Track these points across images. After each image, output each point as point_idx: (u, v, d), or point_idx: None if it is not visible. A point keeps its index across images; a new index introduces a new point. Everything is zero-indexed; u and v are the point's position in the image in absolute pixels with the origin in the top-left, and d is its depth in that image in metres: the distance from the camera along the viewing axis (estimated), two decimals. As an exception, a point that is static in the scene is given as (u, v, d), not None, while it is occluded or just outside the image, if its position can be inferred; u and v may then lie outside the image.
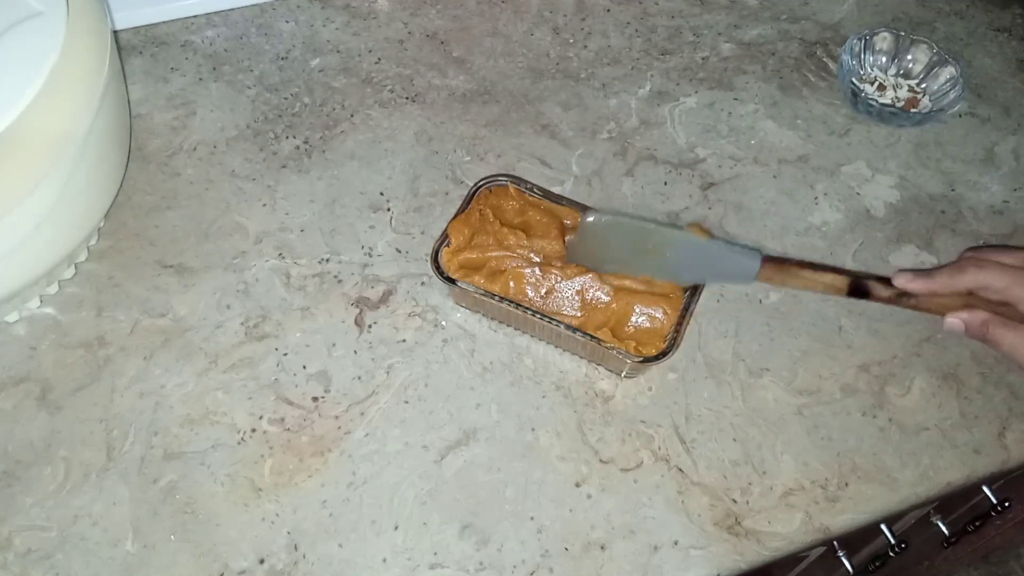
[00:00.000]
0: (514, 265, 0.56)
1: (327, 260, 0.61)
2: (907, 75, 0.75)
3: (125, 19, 0.72)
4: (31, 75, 0.48)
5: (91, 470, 0.51)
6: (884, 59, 0.75)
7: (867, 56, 0.75)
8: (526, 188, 0.60)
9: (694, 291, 0.56)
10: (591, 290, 0.55)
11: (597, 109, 0.71)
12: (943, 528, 0.74)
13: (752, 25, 0.79)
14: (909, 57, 0.74)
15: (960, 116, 0.73)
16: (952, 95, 0.71)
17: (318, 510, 0.51)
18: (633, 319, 0.55)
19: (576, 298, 0.56)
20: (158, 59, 0.71)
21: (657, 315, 0.55)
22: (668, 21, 0.78)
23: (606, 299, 0.55)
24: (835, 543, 0.63)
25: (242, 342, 0.57)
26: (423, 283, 0.60)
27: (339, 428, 0.54)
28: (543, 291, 0.56)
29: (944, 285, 0.50)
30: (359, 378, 0.56)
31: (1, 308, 0.54)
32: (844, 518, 0.53)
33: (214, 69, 0.71)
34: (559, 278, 0.56)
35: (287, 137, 0.68)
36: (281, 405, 0.55)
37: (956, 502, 0.72)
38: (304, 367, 0.56)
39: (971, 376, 0.59)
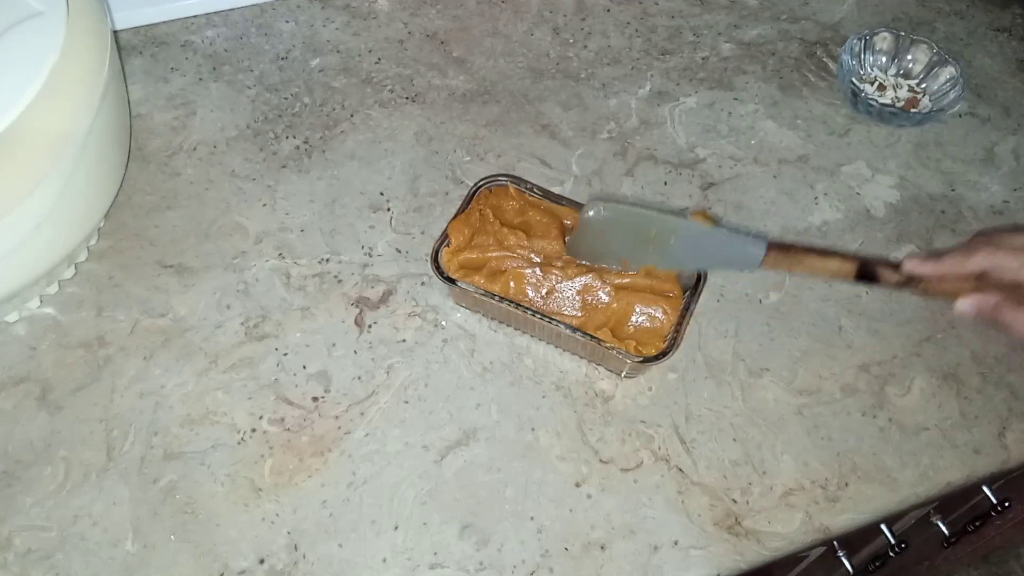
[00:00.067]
0: (514, 265, 0.56)
1: (327, 260, 0.61)
2: (907, 75, 0.75)
3: (125, 19, 0.72)
4: (31, 75, 0.48)
5: (91, 470, 0.51)
6: (884, 59, 0.75)
7: (867, 56, 0.75)
8: (526, 188, 0.60)
9: (694, 291, 0.56)
10: (591, 290, 0.55)
11: (597, 109, 0.71)
12: (943, 528, 0.74)
13: (752, 25, 0.79)
14: (909, 57, 0.74)
15: (960, 116, 0.73)
16: (952, 95, 0.71)
17: (318, 510, 0.51)
18: (633, 319, 0.55)
19: (576, 298, 0.56)
20: (158, 59, 0.71)
21: (657, 315, 0.55)
22: (668, 21, 0.78)
23: (606, 299, 0.55)
24: (835, 543, 0.63)
25: (242, 342, 0.57)
26: (423, 283, 0.60)
27: (339, 428, 0.54)
28: (543, 291, 0.56)
29: (954, 268, 0.49)
30: (359, 378, 0.56)
31: (1, 308, 0.54)
32: (844, 518, 0.53)
33: (214, 69, 0.71)
34: (559, 278, 0.56)
35: (287, 137, 0.68)
36: (281, 405, 0.55)
37: (956, 502, 0.72)
38: (304, 367, 0.56)
39: (971, 376, 0.59)
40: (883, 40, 0.75)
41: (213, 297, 0.59)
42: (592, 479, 0.53)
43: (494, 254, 0.56)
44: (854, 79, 0.73)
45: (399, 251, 0.62)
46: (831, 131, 0.71)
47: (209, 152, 0.66)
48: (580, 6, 0.79)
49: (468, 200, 0.59)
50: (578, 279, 0.55)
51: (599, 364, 0.57)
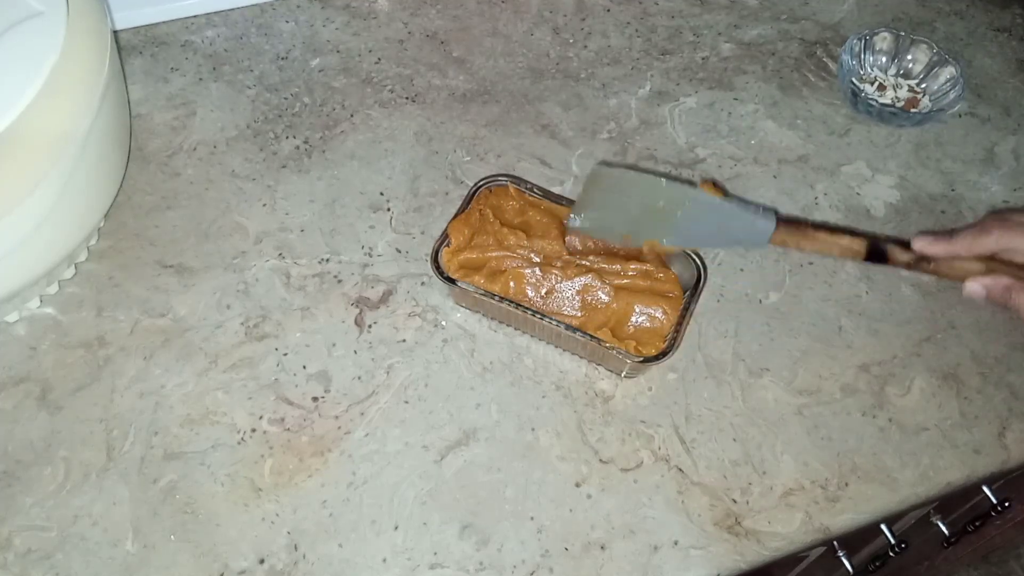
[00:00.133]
0: (514, 265, 0.56)
1: (327, 260, 0.61)
2: (907, 75, 0.75)
3: (125, 19, 0.72)
4: (31, 75, 0.48)
5: (91, 470, 0.51)
6: (884, 59, 0.75)
7: (867, 56, 0.75)
8: (526, 188, 0.60)
9: (694, 291, 0.56)
10: (591, 290, 0.55)
11: (597, 109, 0.71)
12: (943, 528, 0.74)
13: (752, 25, 0.79)
14: (909, 57, 0.74)
15: (960, 116, 0.73)
16: (952, 95, 0.71)
17: (318, 510, 0.51)
18: (633, 319, 0.55)
19: (576, 298, 0.56)
20: (158, 59, 0.71)
21: (657, 315, 0.55)
22: (668, 21, 0.78)
23: (606, 299, 0.55)
24: (835, 543, 0.63)
25: (242, 342, 0.57)
26: (423, 283, 0.60)
27: (339, 428, 0.54)
28: (543, 291, 0.56)
29: (966, 248, 0.47)
30: (359, 378, 0.56)
31: (1, 308, 0.54)
32: (844, 518, 0.53)
33: (214, 69, 0.71)
34: (559, 278, 0.56)
35: (287, 137, 0.68)
36: (281, 405, 0.55)
37: (956, 502, 0.72)
38: (304, 367, 0.56)
39: (971, 376, 0.59)
40: (883, 40, 0.75)
41: (213, 297, 0.59)
42: (592, 479, 0.53)
43: (494, 254, 0.56)
44: (854, 79, 0.73)
45: (399, 251, 0.62)
46: (831, 131, 0.71)
47: (209, 152, 0.66)
48: (580, 6, 0.79)
49: (468, 200, 0.59)
50: (578, 279, 0.55)
51: (599, 364, 0.57)
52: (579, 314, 0.55)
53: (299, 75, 0.71)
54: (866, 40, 0.74)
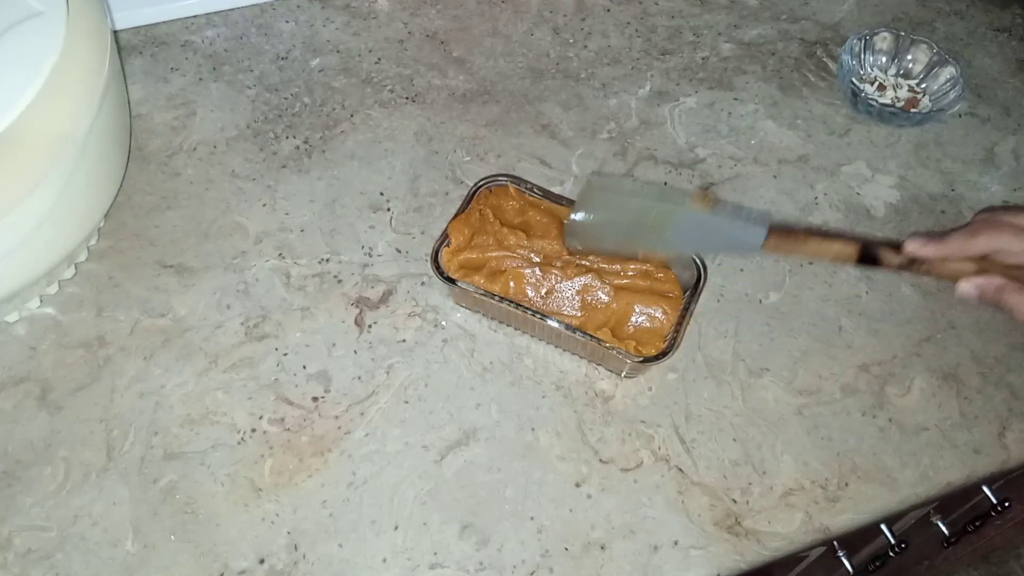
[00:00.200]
0: (514, 265, 0.56)
1: (327, 260, 0.61)
2: (907, 75, 0.75)
3: (125, 19, 0.72)
4: (31, 75, 0.48)
5: (91, 470, 0.51)
6: (884, 59, 0.75)
7: (867, 56, 0.75)
8: (526, 188, 0.60)
9: (694, 291, 0.56)
10: (591, 290, 0.55)
11: (597, 109, 0.71)
12: (943, 528, 0.74)
13: (752, 25, 0.79)
14: (909, 57, 0.74)
15: (960, 116, 0.73)
16: (952, 95, 0.71)
17: (318, 510, 0.51)
18: (633, 319, 0.55)
19: (576, 298, 0.56)
20: (158, 59, 0.71)
21: (657, 315, 0.55)
22: (668, 21, 0.78)
23: (606, 299, 0.55)
24: (835, 543, 0.63)
25: (242, 342, 0.57)
26: (423, 283, 0.60)
27: (339, 428, 0.54)
28: (543, 291, 0.56)
29: (957, 249, 0.48)
30: (359, 378, 0.56)
31: (1, 308, 0.54)
32: (844, 518, 0.53)
33: (214, 69, 0.71)
34: (559, 278, 0.56)
35: (287, 137, 0.68)
36: (281, 405, 0.55)
37: (956, 502, 0.72)
38: (304, 367, 0.56)
39: (971, 376, 0.59)
40: (883, 40, 0.75)
41: (213, 297, 0.59)
42: (592, 479, 0.53)
43: (494, 254, 0.56)
44: (854, 79, 0.73)
45: (399, 251, 0.62)
46: (831, 131, 0.71)
47: (209, 152, 0.66)
48: (580, 6, 0.79)
49: (468, 200, 0.59)
50: (578, 279, 0.55)
51: (599, 364, 0.57)
52: (579, 314, 0.55)
53: (299, 75, 0.71)
54: (866, 40, 0.74)
